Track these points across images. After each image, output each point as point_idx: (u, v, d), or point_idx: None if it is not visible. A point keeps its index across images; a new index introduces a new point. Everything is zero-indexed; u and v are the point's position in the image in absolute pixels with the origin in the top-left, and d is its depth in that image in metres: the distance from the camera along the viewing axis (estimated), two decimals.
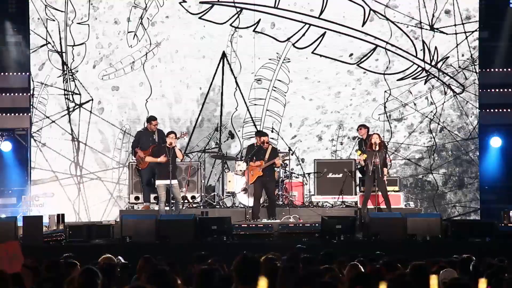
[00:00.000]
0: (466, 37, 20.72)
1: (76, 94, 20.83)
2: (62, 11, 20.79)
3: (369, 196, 17.74)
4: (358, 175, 18.98)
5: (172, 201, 17.49)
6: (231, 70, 20.77)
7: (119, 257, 10.53)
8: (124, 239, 15.95)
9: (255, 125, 20.69)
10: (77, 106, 20.84)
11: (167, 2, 20.84)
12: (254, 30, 20.77)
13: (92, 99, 20.81)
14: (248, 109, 20.83)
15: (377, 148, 17.58)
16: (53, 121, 20.85)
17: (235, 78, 20.80)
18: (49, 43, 20.74)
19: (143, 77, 20.84)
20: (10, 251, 7.55)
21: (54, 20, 20.74)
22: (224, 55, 20.74)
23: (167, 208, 17.65)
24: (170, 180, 17.33)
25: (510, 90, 21.35)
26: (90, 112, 20.85)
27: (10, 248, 7.62)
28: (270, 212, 17.94)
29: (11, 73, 21.26)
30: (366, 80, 20.84)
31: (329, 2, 20.76)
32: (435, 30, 20.69)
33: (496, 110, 21.40)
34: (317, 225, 16.51)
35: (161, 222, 16.30)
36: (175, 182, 17.55)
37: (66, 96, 20.82)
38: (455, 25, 20.70)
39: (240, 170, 18.91)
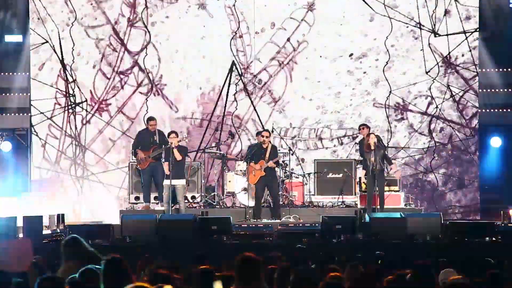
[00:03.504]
0: (466, 38, 20.72)
1: (76, 94, 20.85)
2: (62, 11, 20.81)
3: (371, 195, 17.73)
4: (358, 175, 18.98)
5: (176, 201, 17.61)
6: (238, 71, 20.78)
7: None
8: (124, 239, 15.95)
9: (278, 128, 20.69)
10: (75, 105, 20.85)
11: (167, 2, 20.84)
12: (255, 32, 20.80)
13: (89, 99, 20.83)
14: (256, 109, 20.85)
15: (373, 148, 17.64)
16: (53, 121, 20.86)
17: (241, 76, 20.81)
18: (46, 41, 20.75)
19: (143, 76, 20.84)
20: (21, 249, 7.55)
21: (54, 20, 20.76)
22: (233, 64, 20.71)
23: (173, 207, 17.74)
24: (170, 181, 17.38)
25: (510, 90, 21.34)
26: (91, 112, 20.86)
27: (22, 246, 7.61)
28: (275, 213, 17.91)
29: (11, 73, 21.26)
30: (366, 80, 20.83)
31: (329, 2, 20.77)
32: (435, 30, 20.70)
33: (496, 110, 21.39)
34: (317, 225, 16.51)
35: (161, 222, 16.30)
36: (179, 183, 17.54)
37: (66, 96, 20.85)
38: (455, 25, 20.72)
39: (240, 170, 18.92)
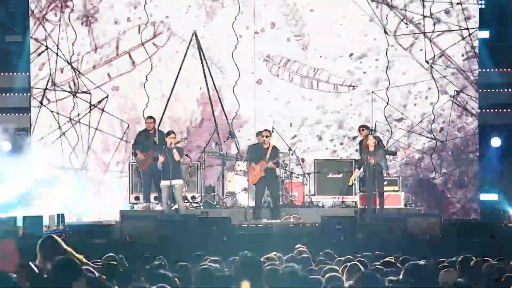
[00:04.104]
0: (469, 34, 20.70)
1: (77, 92, 20.86)
2: (62, 11, 20.82)
3: (371, 195, 17.73)
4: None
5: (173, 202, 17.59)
6: (204, 62, 20.75)
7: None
8: (124, 239, 15.95)
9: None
10: (92, 106, 20.88)
11: (167, 2, 20.84)
12: (255, 32, 20.79)
13: (107, 96, 20.84)
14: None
15: (372, 149, 17.68)
16: (55, 118, 20.87)
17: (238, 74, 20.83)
18: (48, 48, 20.75)
19: (143, 77, 20.84)
20: (4, 251, 7.52)
21: (53, 20, 20.76)
22: (195, 34, 20.69)
23: (172, 207, 17.74)
24: (170, 181, 17.36)
25: (510, 90, 21.35)
26: (101, 110, 20.87)
27: (5, 247, 7.58)
28: (275, 213, 17.92)
29: (11, 73, 21.26)
30: (366, 80, 20.83)
31: (329, 2, 20.78)
32: (435, 30, 20.70)
33: (496, 110, 21.39)
34: (317, 225, 16.52)
35: (161, 222, 16.32)
36: (177, 183, 17.53)
37: (68, 96, 20.87)
38: (455, 25, 20.72)
39: (241, 170, 18.92)
